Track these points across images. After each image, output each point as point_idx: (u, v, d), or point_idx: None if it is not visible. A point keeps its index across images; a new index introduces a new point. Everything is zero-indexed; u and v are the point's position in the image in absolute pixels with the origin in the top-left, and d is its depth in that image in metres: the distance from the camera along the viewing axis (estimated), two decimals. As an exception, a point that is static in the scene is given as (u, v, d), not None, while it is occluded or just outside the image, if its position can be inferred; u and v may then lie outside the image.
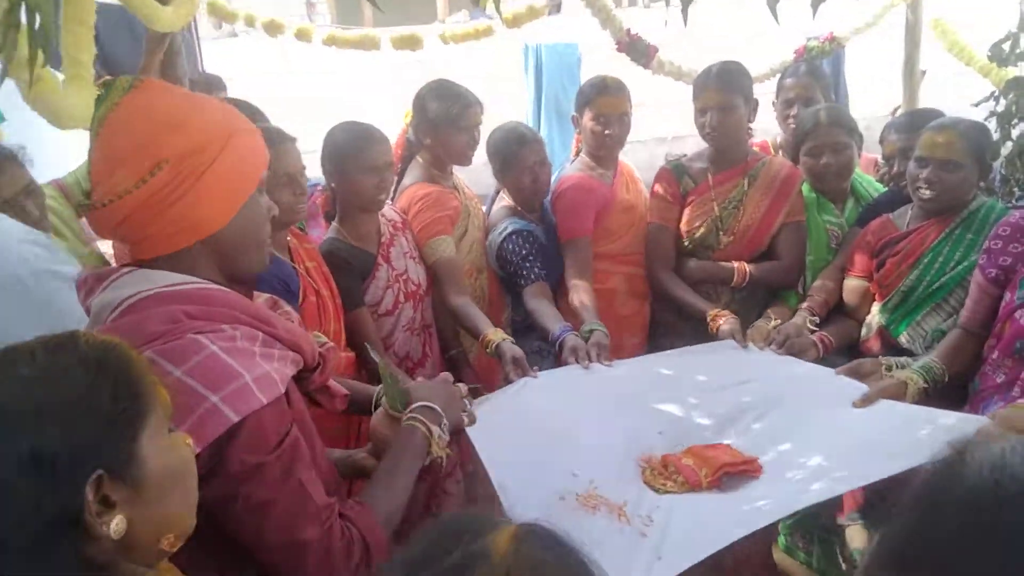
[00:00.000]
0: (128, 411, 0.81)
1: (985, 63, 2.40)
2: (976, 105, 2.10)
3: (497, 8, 2.06)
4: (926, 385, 1.78)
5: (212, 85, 3.43)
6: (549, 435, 1.68)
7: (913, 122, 2.26)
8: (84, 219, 2.12)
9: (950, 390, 1.85)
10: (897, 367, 1.87)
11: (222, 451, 1.03)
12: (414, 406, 1.40)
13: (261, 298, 1.37)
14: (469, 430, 1.61)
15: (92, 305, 1.14)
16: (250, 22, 4.49)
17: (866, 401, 1.72)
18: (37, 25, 1.25)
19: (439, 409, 1.40)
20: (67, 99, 1.82)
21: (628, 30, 3.93)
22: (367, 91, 7.61)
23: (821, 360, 2.04)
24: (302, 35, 4.38)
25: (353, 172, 2.14)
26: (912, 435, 1.55)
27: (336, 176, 2.19)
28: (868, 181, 2.55)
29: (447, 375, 1.60)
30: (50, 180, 2.44)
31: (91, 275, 1.17)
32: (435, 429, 1.37)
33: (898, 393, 1.75)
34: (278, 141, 1.85)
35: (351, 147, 2.16)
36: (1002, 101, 1.91)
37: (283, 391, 1.12)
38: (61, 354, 0.81)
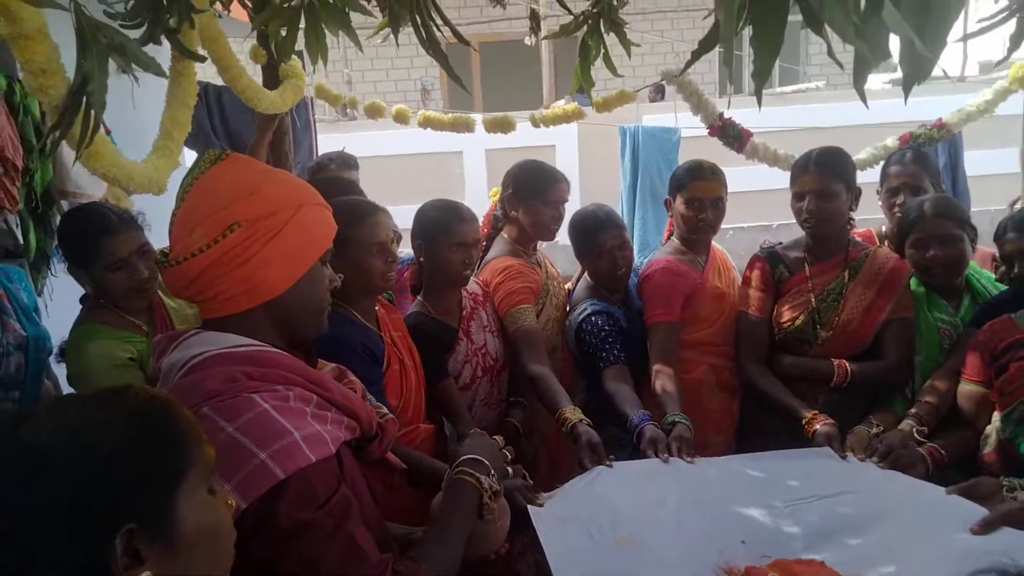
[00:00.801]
0: (167, 467, 0.83)
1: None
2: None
3: (588, 93, 2.13)
4: None
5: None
6: (621, 534, 1.59)
7: None
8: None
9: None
10: (1022, 488, 1.67)
11: (271, 507, 1.04)
12: (459, 459, 1.39)
13: (327, 367, 1.41)
14: (536, 521, 1.56)
15: (163, 365, 1.19)
16: (352, 105, 4.79)
17: (986, 527, 1.51)
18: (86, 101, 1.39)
19: (485, 460, 1.39)
20: (138, 169, 2.00)
21: (721, 114, 3.94)
22: (471, 175, 7.91)
23: (930, 476, 1.86)
24: (400, 117, 4.64)
25: (442, 248, 2.21)
26: None
27: (425, 251, 2.25)
28: (987, 277, 2.36)
29: (479, 430, 1.57)
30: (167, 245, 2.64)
31: (164, 337, 1.24)
32: (484, 479, 1.35)
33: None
34: (370, 212, 1.95)
35: (441, 224, 2.23)
36: None
37: (333, 451, 1.13)
38: (109, 406, 0.84)
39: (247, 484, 1.02)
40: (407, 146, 7.92)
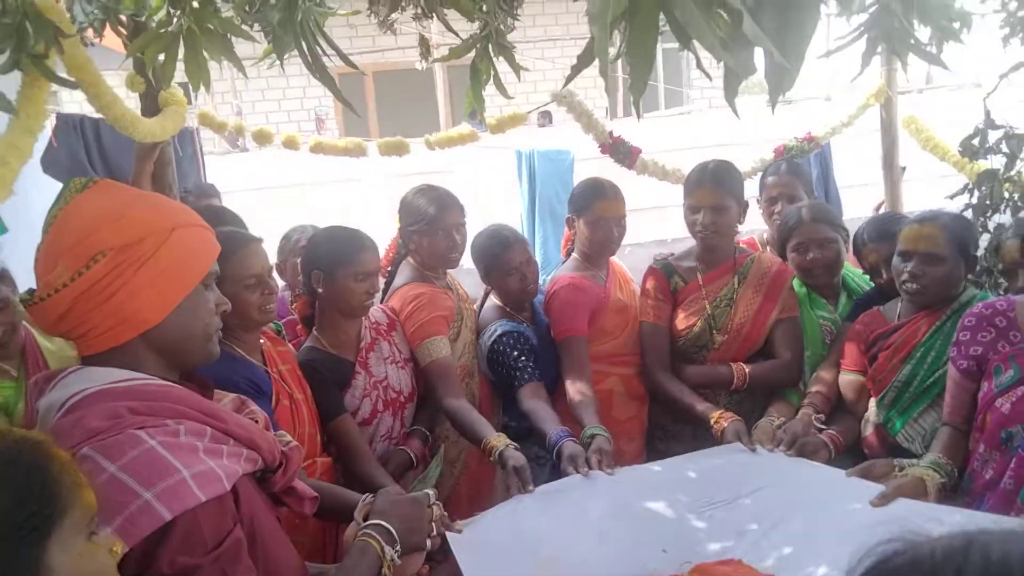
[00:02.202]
0: (35, 517, 0.77)
1: (959, 158, 2.47)
2: (951, 198, 2.14)
3: (481, 117, 2.16)
4: (944, 480, 1.71)
5: (205, 193, 3.52)
6: (542, 555, 1.59)
7: (885, 227, 2.27)
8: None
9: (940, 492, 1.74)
10: (910, 466, 1.79)
11: (153, 550, 0.97)
12: (369, 522, 1.35)
13: (227, 398, 1.35)
14: (455, 548, 1.53)
15: (40, 406, 1.12)
16: (239, 132, 4.66)
17: (883, 500, 1.64)
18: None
19: (393, 531, 1.34)
20: None
21: (611, 132, 4.09)
22: (369, 201, 7.84)
23: (831, 461, 1.96)
24: (290, 144, 4.54)
25: (342, 278, 2.11)
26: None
27: (324, 282, 2.15)
28: (860, 276, 2.55)
29: (420, 496, 1.51)
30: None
31: (41, 376, 1.16)
32: (388, 550, 1.31)
33: (917, 491, 1.66)
34: (244, 243, 1.88)
35: (341, 253, 2.14)
36: (976, 193, 1.95)
37: (227, 488, 1.07)
38: None
39: (130, 526, 0.96)
40: (303, 175, 7.78)
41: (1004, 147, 2.05)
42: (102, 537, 0.87)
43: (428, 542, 1.43)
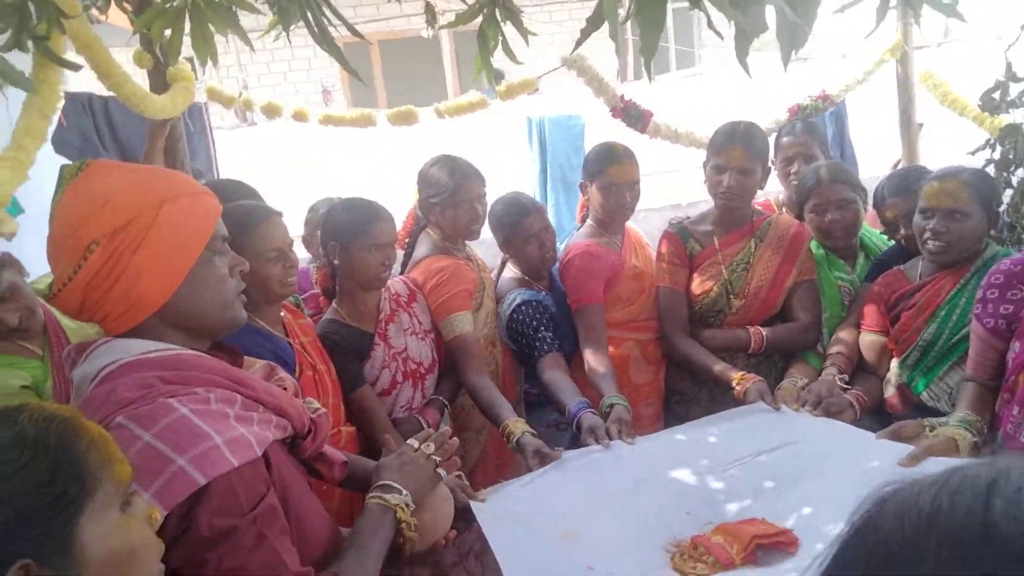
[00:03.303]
0: (66, 493, 0.78)
1: (978, 112, 2.41)
2: (972, 153, 2.09)
3: (490, 80, 2.13)
4: (976, 439, 1.68)
5: (194, 176, 3.49)
6: (565, 527, 1.60)
7: (907, 182, 2.23)
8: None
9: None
10: (940, 426, 1.76)
11: (191, 514, 1.00)
12: (376, 485, 1.37)
13: (257, 364, 1.36)
14: (482, 520, 1.54)
15: (75, 377, 1.13)
16: (247, 106, 4.63)
17: (913, 460, 1.62)
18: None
19: (395, 484, 1.35)
20: None
21: (622, 96, 4.03)
22: (382, 172, 7.83)
23: (856, 422, 1.95)
24: (299, 117, 4.50)
25: (357, 250, 2.12)
26: None
27: (340, 253, 2.16)
28: (878, 236, 2.52)
29: (403, 447, 1.49)
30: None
31: (73, 347, 1.17)
32: (393, 497, 1.32)
33: (948, 450, 1.64)
34: (264, 216, 1.88)
35: (355, 224, 2.13)
36: (998, 149, 1.90)
37: (259, 454, 1.09)
38: None
39: (166, 491, 0.98)
40: (313, 146, 7.77)
41: (1027, 100, 2.00)
42: (139, 506, 0.88)
43: (441, 472, 1.44)
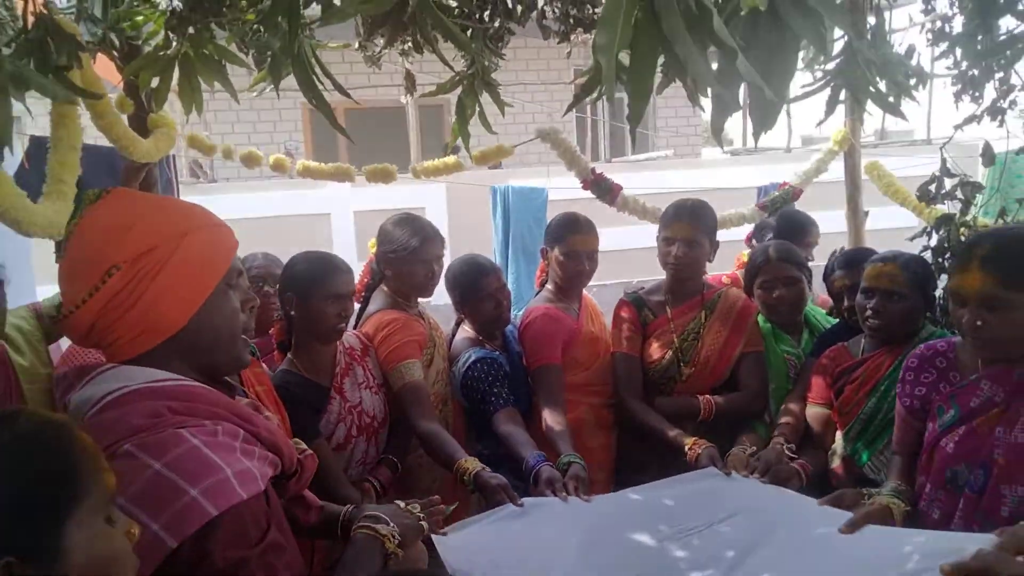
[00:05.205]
0: (55, 497, 0.78)
1: (917, 203, 2.63)
2: (911, 240, 2.26)
3: (466, 147, 2.23)
4: (908, 508, 1.76)
5: None
6: (532, 569, 1.61)
7: (855, 258, 2.38)
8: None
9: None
10: (878, 494, 1.83)
11: (204, 546, 0.99)
12: (364, 516, 1.38)
13: (243, 401, 1.37)
14: (441, 550, 1.55)
15: (72, 401, 1.12)
16: (228, 155, 4.66)
17: (852, 527, 1.67)
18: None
19: (384, 516, 1.38)
20: (38, 210, 1.89)
21: (593, 169, 4.20)
22: (340, 238, 7.85)
23: (800, 490, 2.01)
24: (278, 166, 4.54)
25: (316, 301, 2.14)
26: (912, 558, 1.49)
27: (296, 305, 2.18)
28: (821, 314, 2.67)
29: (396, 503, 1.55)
30: (29, 302, 2.44)
31: (71, 371, 1.18)
32: (381, 527, 1.35)
33: (883, 517, 1.71)
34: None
35: (314, 276, 2.17)
36: (935, 236, 2.07)
37: (263, 488, 1.10)
38: None
39: (177, 522, 0.97)
40: (271, 208, 7.76)
41: (959, 193, 2.20)
42: (120, 520, 0.88)
43: (424, 525, 1.46)
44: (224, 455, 1.06)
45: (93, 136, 2.77)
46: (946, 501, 1.71)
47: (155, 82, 1.93)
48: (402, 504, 1.47)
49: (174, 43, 1.78)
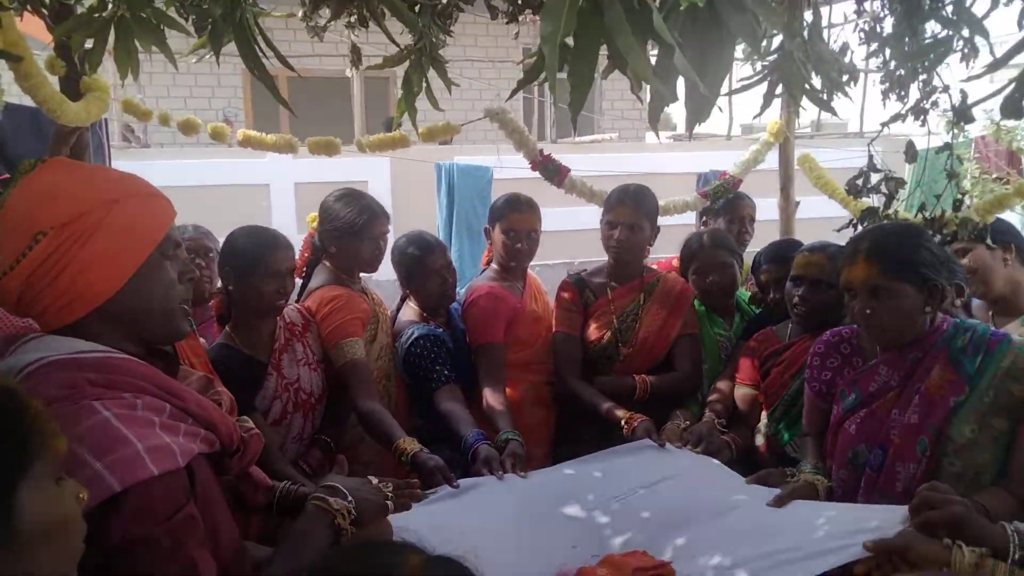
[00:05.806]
0: (8, 459, 0.79)
1: (845, 195, 2.76)
2: (838, 231, 2.37)
3: (413, 123, 2.22)
4: (830, 483, 1.85)
5: None
6: (464, 548, 1.64)
7: (782, 251, 2.46)
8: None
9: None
10: (801, 472, 1.92)
11: (105, 519, 0.98)
12: (320, 485, 1.37)
13: (194, 375, 1.35)
14: None
15: None
16: (164, 121, 4.48)
17: (780, 502, 1.76)
18: None
19: (343, 489, 1.34)
20: None
21: (541, 150, 4.23)
22: (279, 209, 7.68)
23: (730, 465, 2.10)
24: (217, 135, 4.38)
25: (255, 277, 2.13)
26: (839, 530, 1.55)
27: (236, 280, 2.17)
28: (746, 300, 2.78)
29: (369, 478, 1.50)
30: None
31: (0, 339, 1.14)
32: (333, 500, 1.31)
33: (809, 494, 1.80)
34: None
35: (254, 251, 2.15)
36: (859, 228, 2.18)
37: (181, 465, 1.08)
38: None
39: None
40: (208, 177, 7.53)
41: (884, 188, 2.31)
42: (68, 483, 0.87)
43: (389, 504, 1.43)
44: (137, 429, 1.04)
45: (17, 95, 2.65)
46: (848, 479, 1.82)
47: (89, 43, 1.86)
48: (375, 480, 1.45)
49: (109, 4, 1.71)
